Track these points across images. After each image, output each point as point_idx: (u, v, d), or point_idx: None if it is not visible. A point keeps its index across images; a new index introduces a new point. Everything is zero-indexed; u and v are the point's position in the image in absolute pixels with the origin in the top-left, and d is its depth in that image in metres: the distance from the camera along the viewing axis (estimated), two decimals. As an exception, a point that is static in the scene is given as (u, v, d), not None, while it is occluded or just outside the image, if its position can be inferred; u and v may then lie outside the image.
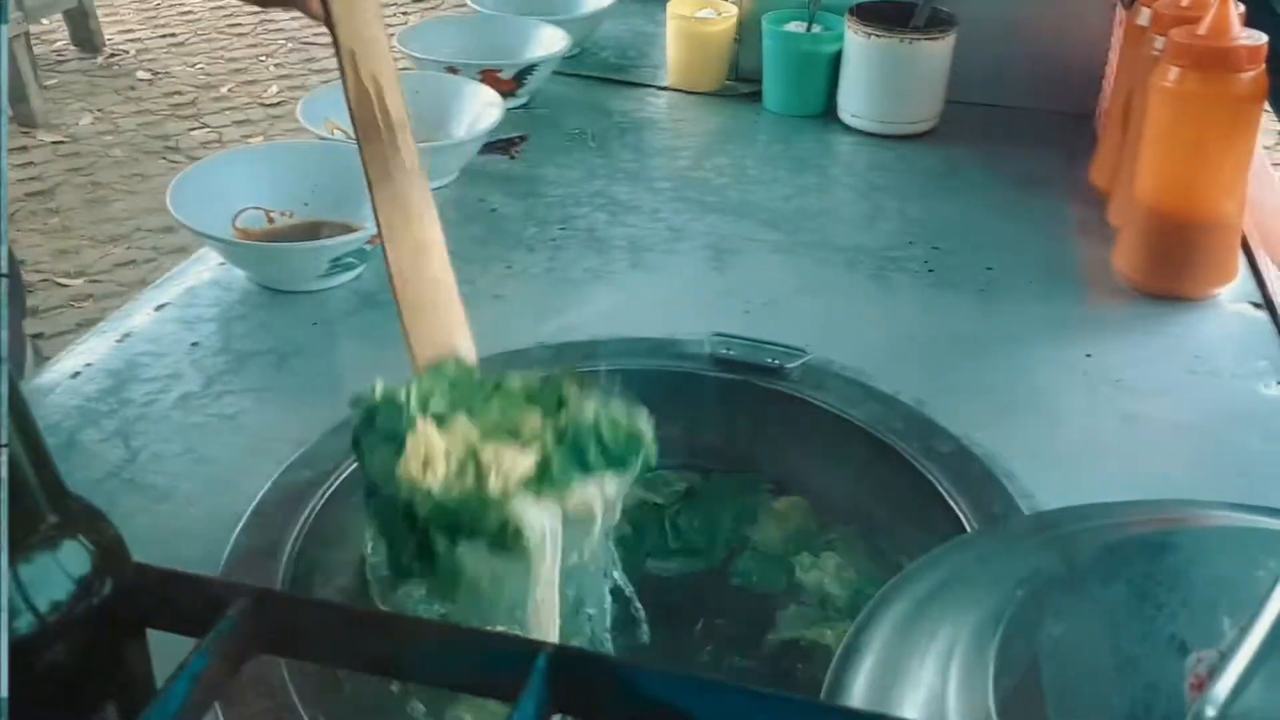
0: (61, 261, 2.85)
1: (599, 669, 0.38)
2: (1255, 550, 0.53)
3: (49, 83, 3.74)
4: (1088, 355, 0.86)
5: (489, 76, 1.22)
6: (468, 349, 0.67)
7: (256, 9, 0.73)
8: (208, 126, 3.55)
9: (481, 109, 1.14)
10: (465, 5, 1.45)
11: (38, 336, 2.52)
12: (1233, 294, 0.93)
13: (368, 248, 0.93)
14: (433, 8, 4.45)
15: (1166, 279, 0.92)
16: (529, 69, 1.26)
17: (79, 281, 2.77)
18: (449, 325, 0.67)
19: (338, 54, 0.68)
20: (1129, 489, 0.71)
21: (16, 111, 3.47)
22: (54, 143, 3.42)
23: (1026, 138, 1.23)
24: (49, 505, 0.41)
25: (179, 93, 3.76)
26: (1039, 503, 0.70)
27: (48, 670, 0.40)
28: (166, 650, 0.44)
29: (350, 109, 0.68)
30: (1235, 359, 0.85)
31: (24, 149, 3.38)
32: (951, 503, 0.71)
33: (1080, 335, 0.89)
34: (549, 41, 1.30)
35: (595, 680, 0.38)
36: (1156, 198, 0.90)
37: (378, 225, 0.67)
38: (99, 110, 3.63)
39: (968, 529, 0.69)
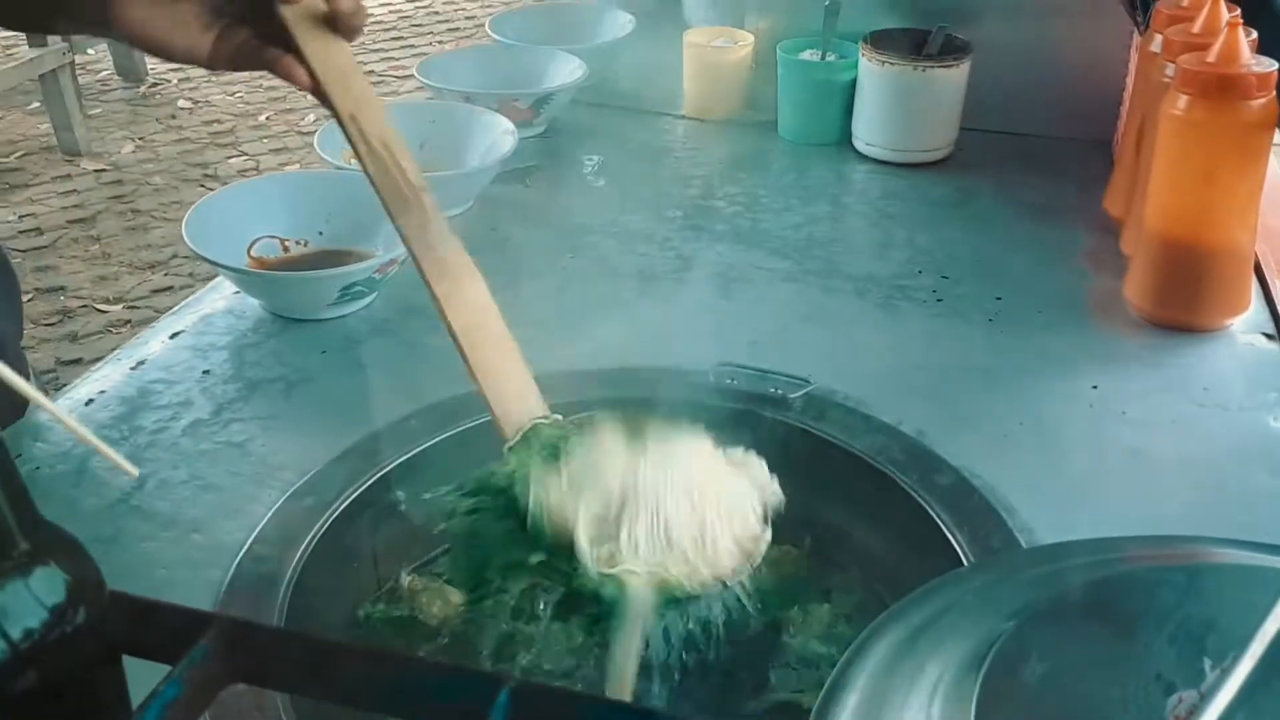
0: (101, 288, 2.90)
1: (560, 703, 0.38)
2: (1249, 588, 0.52)
3: (93, 112, 3.82)
4: (1094, 387, 0.85)
5: (507, 106, 1.24)
6: (538, 401, 0.67)
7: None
8: (245, 154, 3.61)
9: (497, 138, 1.15)
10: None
11: (75, 362, 2.56)
12: (1245, 325, 0.91)
13: (377, 276, 0.94)
14: (467, 36, 4.51)
15: (1177, 309, 0.90)
16: (546, 98, 1.27)
17: (117, 308, 2.82)
18: (519, 381, 0.67)
19: (340, 124, 0.67)
20: (1131, 524, 0.70)
21: (61, 140, 3.55)
22: (96, 171, 3.49)
23: (1043, 165, 1.22)
24: (21, 532, 0.42)
25: (218, 121, 3.82)
26: (1038, 537, 0.70)
27: (21, 698, 0.41)
28: (148, 677, 0.44)
29: (371, 179, 0.67)
30: (1245, 391, 0.84)
31: (68, 177, 3.45)
32: (949, 536, 0.70)
33: (1087, 366, 0.87)
34: (566, 70, 1.31)
35: (557, 715, 0.38)
36: (1166, 227, 0.89)
37: (433, 296, 0.66)
38: (141, 139, 3.70)
39: (964, 563, 0.68)
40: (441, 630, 0.77)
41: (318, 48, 0.67)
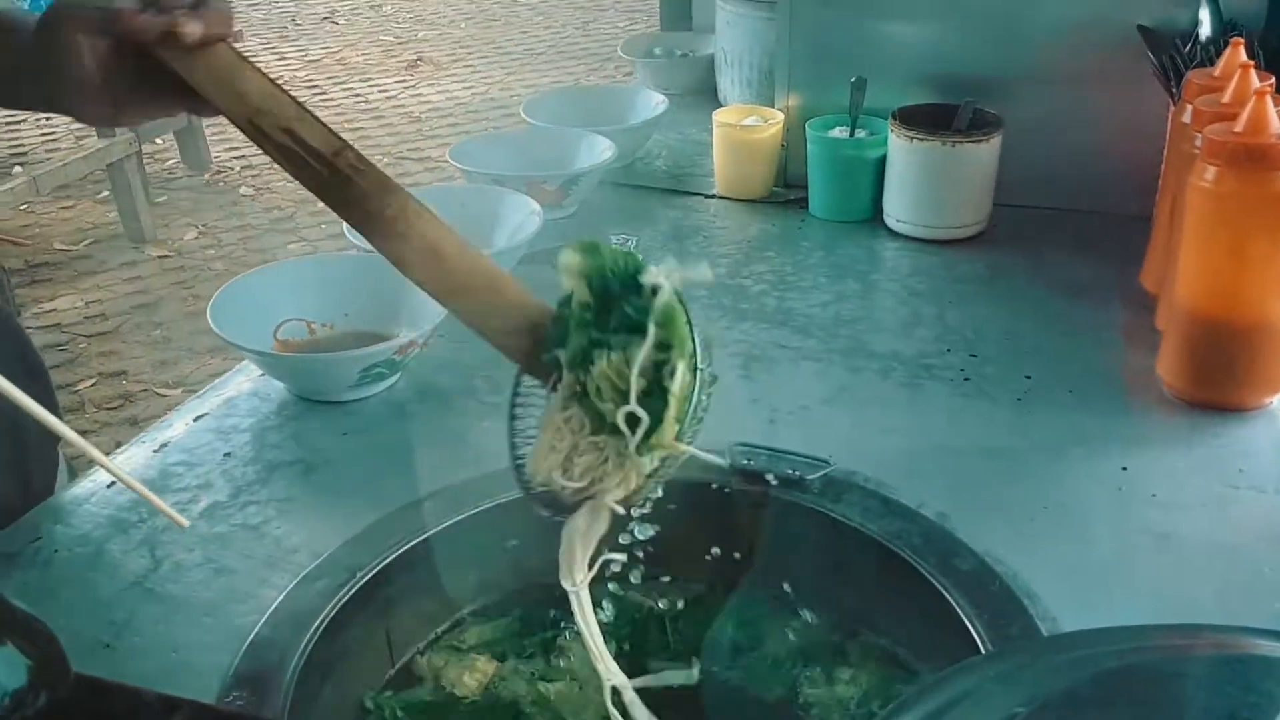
0: (161, 372, 2.97)
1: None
2: (1264, 680, 0.49)
3: (159, 200, 3.94)
4: (1124, 468, 0.82)
5: (535, 187, 1.25)
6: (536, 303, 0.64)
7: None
8: (305, 240, 3.69)
9: (523, 219, 1.16)
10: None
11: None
12: (1286, 402, 0.88)
13: (398, 357, 0.95)
14: (522, 122, 4.59)
15: (1210, 387, 0.87)
16: (575, 179, 1.28)
17: (176, 392, 2.87)
18: (508, 296, 0.64)
19: (245, 133, 0.64)
20: (1159, 612, 0.68)
21: (128, 228, 3.66)
22: (160, 257, 3.59)
23: (1079, 241, 1.20)
24: (-23, 617, 0.41)
25: (279, 207, 3.92)
26: (1061, 625, 0.67)
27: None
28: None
29: (296, 178, 0.64)
30: (1283, 472, 0.81)
31: (133, 263, 3.55)
32: (968, 624, 0.68)
33: (1117, 448, 0.85)
34: (596, 152, 1.33)
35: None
36: (1197, 302, 0.86)
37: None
38: (203, 225, 3.80)
39: (982, 651, 0.66)
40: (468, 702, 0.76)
41: (196, 67, 0.65)
